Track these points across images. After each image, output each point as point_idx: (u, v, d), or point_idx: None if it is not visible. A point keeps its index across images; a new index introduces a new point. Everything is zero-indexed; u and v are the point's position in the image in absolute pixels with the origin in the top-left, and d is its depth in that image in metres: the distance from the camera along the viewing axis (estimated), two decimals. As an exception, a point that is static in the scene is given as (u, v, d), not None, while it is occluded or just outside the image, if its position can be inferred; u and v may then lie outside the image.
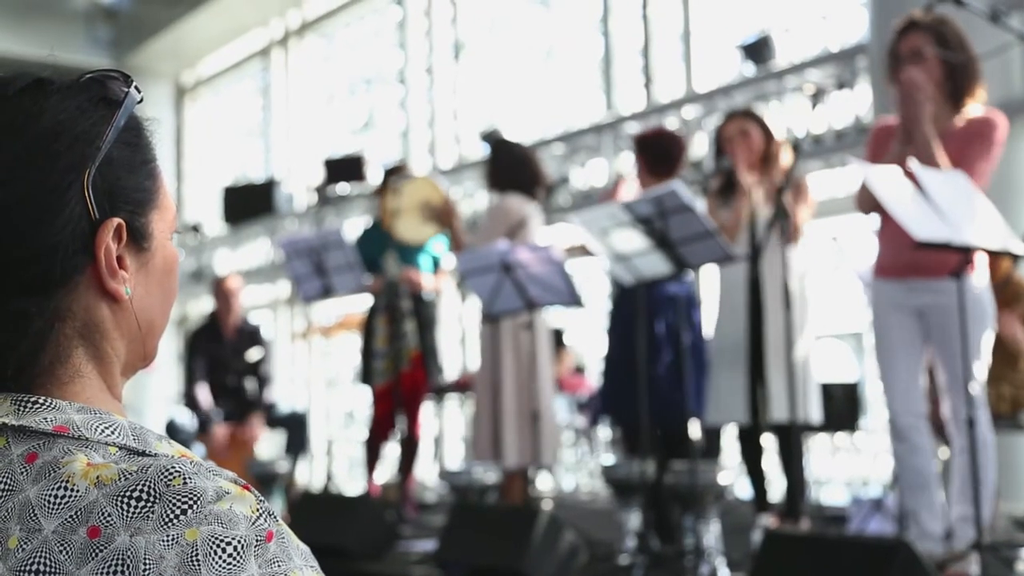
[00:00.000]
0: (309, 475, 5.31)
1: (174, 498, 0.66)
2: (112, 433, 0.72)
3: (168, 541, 0.65)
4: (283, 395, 8.31)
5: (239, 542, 0.66)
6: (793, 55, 6.84)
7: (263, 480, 4.67)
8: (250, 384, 6.03)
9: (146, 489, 0.67)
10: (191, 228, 12.30)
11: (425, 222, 4.93)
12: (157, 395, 10.17)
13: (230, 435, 5.76)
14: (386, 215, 4.94)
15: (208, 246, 11.69)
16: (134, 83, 0.79)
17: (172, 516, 0.66)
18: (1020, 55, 5.02)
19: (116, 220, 0.75)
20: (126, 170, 0.76)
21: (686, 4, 7.70)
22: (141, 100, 0.79)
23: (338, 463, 8.46)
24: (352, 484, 7.69)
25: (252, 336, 6.09)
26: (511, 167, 4.78)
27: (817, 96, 3.69)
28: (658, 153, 4.28)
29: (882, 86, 5.40)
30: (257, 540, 0.67)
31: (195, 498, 0.67)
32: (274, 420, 6.00)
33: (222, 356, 5.96)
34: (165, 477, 0.67)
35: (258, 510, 0.68)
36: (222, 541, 0.66)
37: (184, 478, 0.67)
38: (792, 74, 6.32)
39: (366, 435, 5.27)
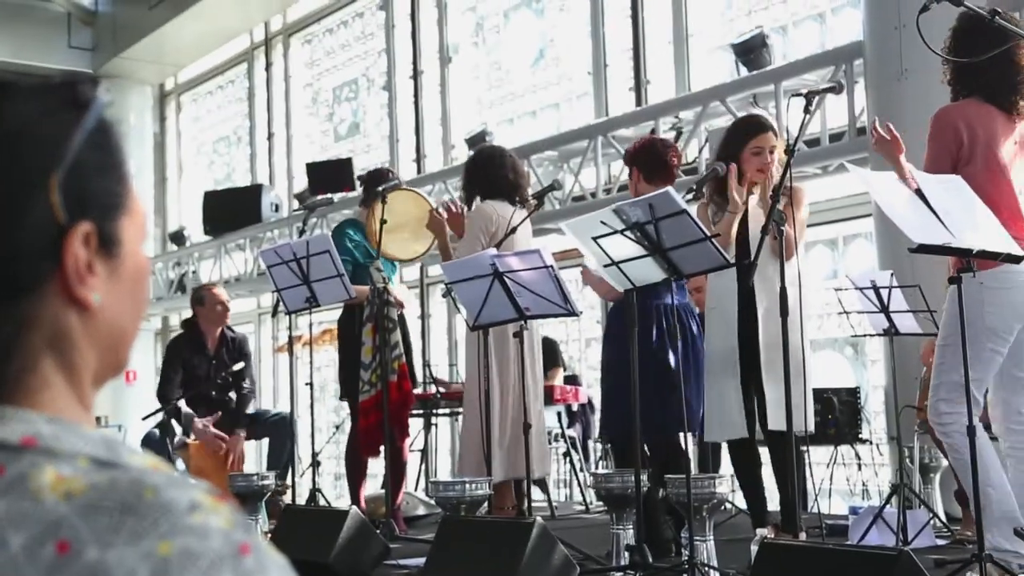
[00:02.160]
0: (294, 489, 5.21)
1: (146, 511, 0.64)
2: (82, 445, 0.69)
3: (140, 555, 0.63)
4: (268, 407, 8.19)
5: (213, 555, 0.64)
6: (788, 56, 6.80)
7: (247, 494, 4.56)
8: (234, 397, 5.90)
9: (117, 502, 0.65)
10: (174, 236, 12.18)
11: (416, 240, 4.88)
12: (138, 409, 10.02)
13: (213, 447, 5.60)
14: (373, 230, 4.85)
15: (191, 254, 11.56)
16: (102, 85, 0.77)
17: (144, 529, 0.64)
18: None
19: (85, 225, 0.73)
20: (95, 174, 0.75)
21: (678, 6, 7.65)
22: (111, 103, 0.77)
23: (324, 477, 8.36)
24: (339, 498, 7.59)
25: (237, 347, 5.95)
26: (483, 177, 4.71)
27: (811, 98, 3.62)
28: (652, 160, 4.22)
29: (878, 87, 5.41)
30: (232, 553, 0.65)
31: (167, 510, 0.65)
32: (260, 427, 5.87)
33: (205, 368, 5.81)
34: (136, 489, 0.66)
35: (233, 522, 0.66)
36: (196, 555, 0.64)
37: (156, 490, 0.66)
38: (786, 76, 6.26)
39: (352, 449, 5.16)
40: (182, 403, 5.62)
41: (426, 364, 7.57)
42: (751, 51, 6.58)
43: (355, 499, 5.07)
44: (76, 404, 0.75)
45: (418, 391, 5.97)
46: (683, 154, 6.95)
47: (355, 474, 5.15)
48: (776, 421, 3.76)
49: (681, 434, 3.98)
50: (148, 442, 5.68)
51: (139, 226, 0.79)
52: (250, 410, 5.88)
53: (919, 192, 2.97)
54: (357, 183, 7.86)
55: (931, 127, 3.28)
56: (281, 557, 0.68)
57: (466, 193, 4.86)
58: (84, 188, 0.73)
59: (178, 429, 5.58)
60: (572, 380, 7.31)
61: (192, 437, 5.56)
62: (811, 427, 3.83)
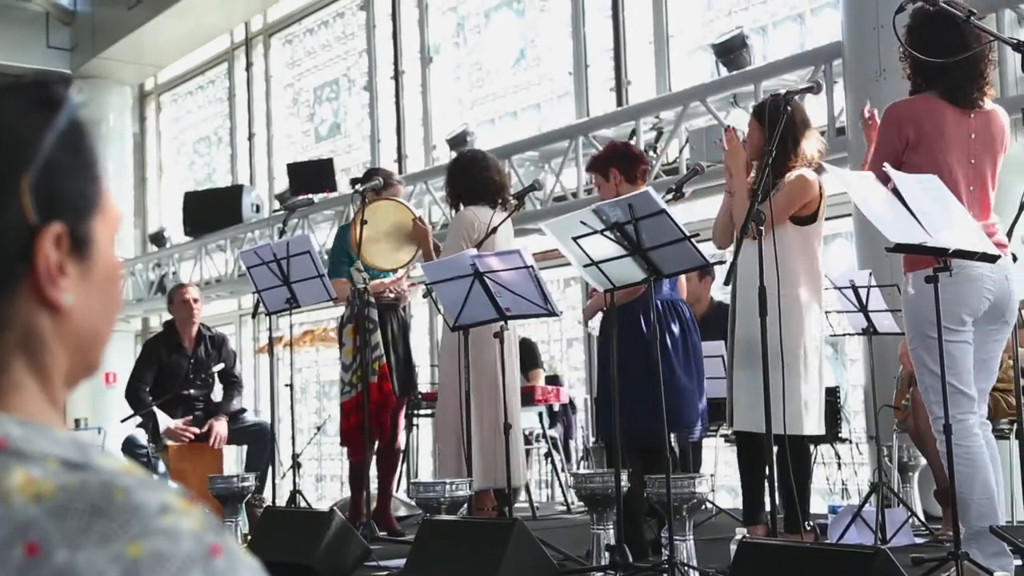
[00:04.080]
0: (274, 490, 5.19)
1: (116, 513, 0.64)
2: (52, 447, 0.68)
3: (110, 557, 0.62)
4: (248, 409, 8.13)
5: (184, 557, 0.63)
6: (768, 56, 6.82)
7: (227, 495, 4.53)
8: (215, 397, 5.86)
9: (87, 503, 0.64)
10: (154, 237, 12.11)
11: (398, 248, 4.87)
12: (118, 412, 9.95)
13: (192, 450, 5.56)
14: (356, 237, 4.81)
15: (171, 255, 11.49)
16: (75, 85, 0.78)
17: (114, 531, 0.63)
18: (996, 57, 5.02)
19: (56, 226, 0.72)
20: (67, 175, 0.74)
21: (658, 7, 7.67)
22: (84, 103, 0.76)
23: (305, 479, 8.32)
24: (320, 500, 7.56)
25: (216, 345, 5.90)
26: (467, 179, 4.71)
27: (790, 98, 3.64)
28: (631, 162, 4.26)
29: (857, 87, 5.44)
30: (203, 555, 0.64)
31: (137, 512, 0.64)
32: (239, 434, 5.83)
33: (183, 368, 5.77)
34: (106, 491, 0.65)
35: (204, 524, 0.66)
36: (166, 557, 0.63)
37: (126, 492, 0.65)
38: (766, 76, 6.28)
39: (338, 450, 5.12)
40: (159, 411, 5.56)
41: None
42: (731, 51, 6.60)
43: (356, 505, 5.01)
44: (47, 406, 0.74)
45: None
46: (664, 154, 6.98)
47: (356, 479, 5.08)
48: (741, 421, 3.78)
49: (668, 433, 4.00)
50: (129, 445, 5.64)
51: (112, 227, 0.78)
52: (236, 406, 5.85)
53: (896, 191, 2.99)
54: (349, 185, 7.76)
55: (881, 120, 3.37)
56: (253, 559, 0.68)
57: (450, 198, 4.85)
58: (55, 189, 0.73)
59: (161, 424, 5.53)
60: (554, 380, 7.31)
61: (167, 440, 5.52)
62: (800, 428, 3.76)
